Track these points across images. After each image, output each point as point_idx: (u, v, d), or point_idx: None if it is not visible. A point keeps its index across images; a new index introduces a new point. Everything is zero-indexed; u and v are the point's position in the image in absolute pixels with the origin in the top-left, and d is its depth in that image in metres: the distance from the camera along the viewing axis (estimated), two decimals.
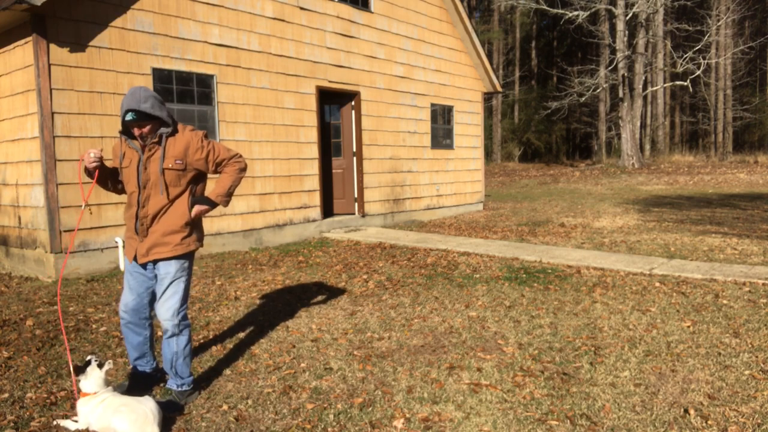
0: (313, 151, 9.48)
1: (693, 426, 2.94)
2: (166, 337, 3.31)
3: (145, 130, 3.16)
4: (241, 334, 4.56)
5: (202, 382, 3.63)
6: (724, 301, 5.11)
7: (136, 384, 3.49)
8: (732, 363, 3.72)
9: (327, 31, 9.60)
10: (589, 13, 25.53)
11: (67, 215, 6.54)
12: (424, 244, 8.38)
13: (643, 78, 27.91)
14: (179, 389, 3.35)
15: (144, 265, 3.32)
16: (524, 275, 6.33)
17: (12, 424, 3.08)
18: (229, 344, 4.34)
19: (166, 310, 3.26)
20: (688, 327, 4.45)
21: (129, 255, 3.35)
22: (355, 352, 4.10)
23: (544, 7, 26.00)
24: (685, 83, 26.38)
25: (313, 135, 9.46)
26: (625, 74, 25.75)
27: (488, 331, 4.52)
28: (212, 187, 3.46)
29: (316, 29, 9.40)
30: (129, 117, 3.08)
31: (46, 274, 6.59)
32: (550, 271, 6.53)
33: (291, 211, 9.16)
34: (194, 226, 3.39)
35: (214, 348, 4.25)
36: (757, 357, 3.80)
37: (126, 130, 3.27)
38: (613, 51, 26.96)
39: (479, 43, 13.02)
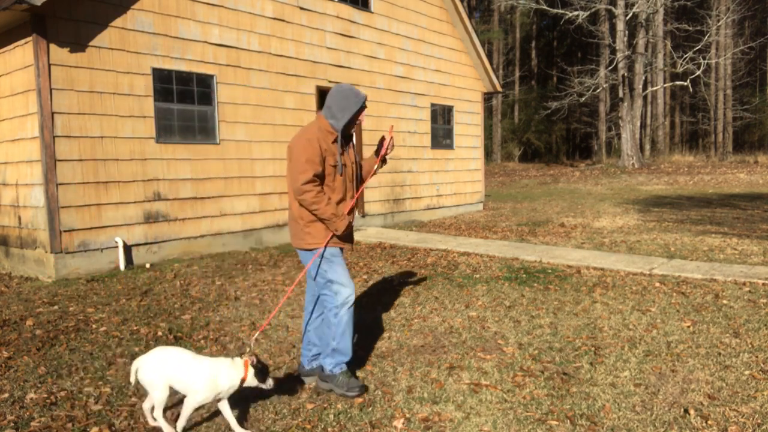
0: None
1: (693, 426, 2.94)
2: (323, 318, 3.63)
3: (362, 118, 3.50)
4: (241, 335, 4.57)
5: None
6: (724, 301, 5.11)
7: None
8: (732, 363, 3.72)
9: (327, 31, 9.60)
10: (589, 13, 25.53)
11: (67, 215, 6.54)
12: (424, 244, 8.38)
13: (643, 78, 27.90)
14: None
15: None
16: (524, 275, 6.33)
17: (12, 424, 3.08)
18: (230, 344, 4.34)
19: None
20: (688, 327, 4.45)
21: (345, 243, 3.52)
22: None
23: (544, 7, 26.00)
24: (685, 83, 26.38)
25: None
26: (625, 74, 25.76)
27: (488, 331, 4.52)
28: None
29: (316, 29, 9.40)
30: (364, 103, 3.44)
31: (46, 274, 6.59)
32: (550, 271, 6.53)
33: None
34: None
35: (214, 348, 4.26)
36: (757, 357, 3.80)
37: (349, 125, 3.46)
38: (613, 51, 26.95)
39: (479, 43, 13.02)
